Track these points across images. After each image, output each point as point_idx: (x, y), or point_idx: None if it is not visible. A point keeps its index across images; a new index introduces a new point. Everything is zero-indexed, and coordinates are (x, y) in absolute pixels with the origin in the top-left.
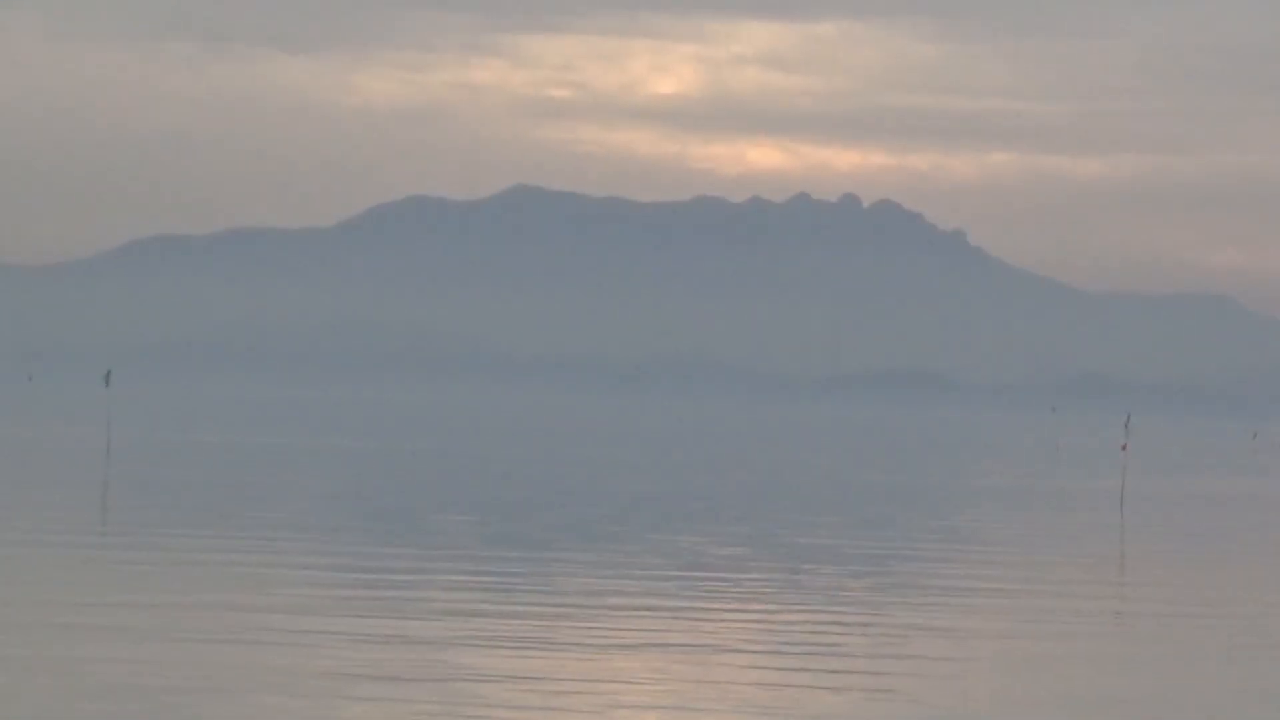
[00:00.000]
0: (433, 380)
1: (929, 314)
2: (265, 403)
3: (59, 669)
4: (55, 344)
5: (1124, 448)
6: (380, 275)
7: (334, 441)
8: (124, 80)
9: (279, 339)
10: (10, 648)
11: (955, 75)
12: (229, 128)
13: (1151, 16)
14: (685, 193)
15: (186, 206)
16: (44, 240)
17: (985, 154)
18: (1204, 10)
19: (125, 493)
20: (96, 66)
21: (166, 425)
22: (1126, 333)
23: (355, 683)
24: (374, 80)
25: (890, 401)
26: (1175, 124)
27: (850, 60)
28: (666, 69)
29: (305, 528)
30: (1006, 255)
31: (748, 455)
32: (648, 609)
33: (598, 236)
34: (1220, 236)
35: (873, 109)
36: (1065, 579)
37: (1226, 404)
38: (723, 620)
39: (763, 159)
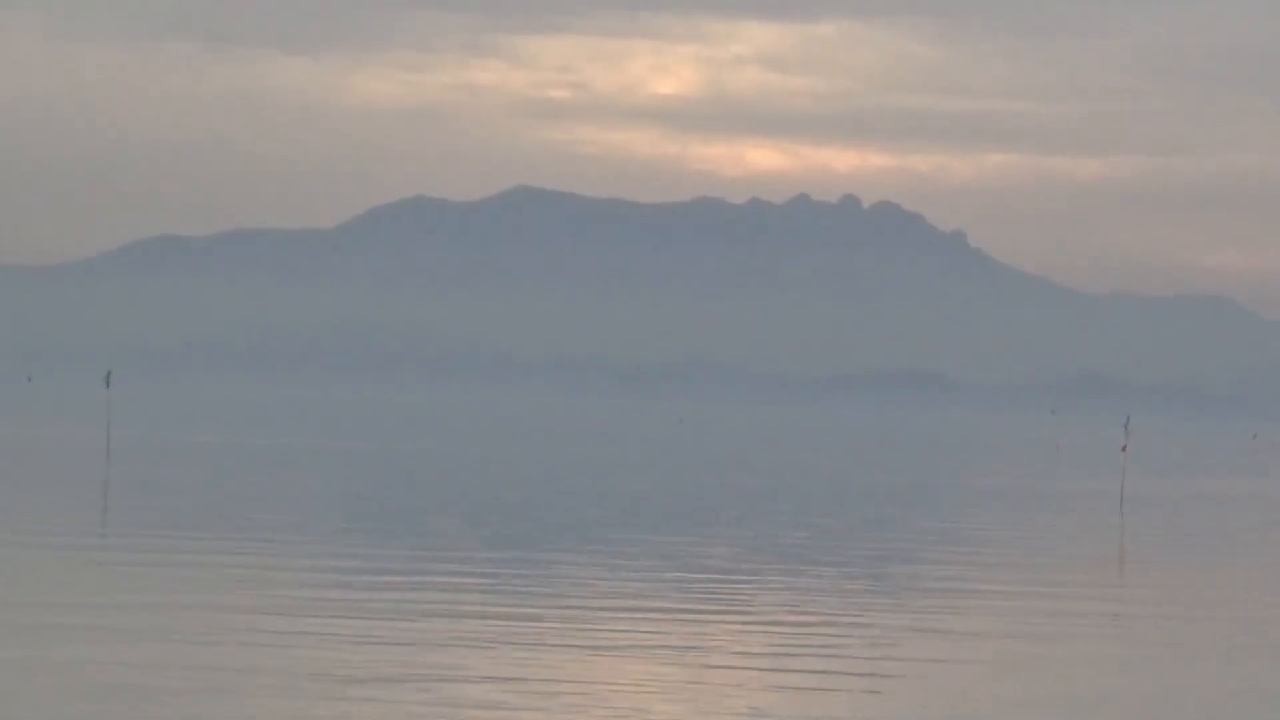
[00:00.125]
0: (433, 380)
1: (929, 314)
2: (265, 403)
3: (58, 670)
4: (55, 344)
5: (1124, 448)
6: (380, 276)
7: (333, 442)
8: (124, 81)
9: (279, 339)
10: (9, 648)
11: (955, 76)
12: (229, 128)
13: (1151, 16)
14: (685, 193)
15: (186, 207)
16: (44, 240)
17: (985, 154)
18: (1204, 10)
19: (125, 493)
20: (96, 67)
21: (166, 426)
22: (1126, 333)
23: (353, 684)
24: (374, 81)
25: (890, 402)
26: (1175, 124)
27: (850, 61)
28: (666, 69)
29: (304, 529)
30: (1006, 256)
31: (747, 456)
32: (647, 610)
33: (598, 237)
34: (1220, 237)
35: (873, 110)
36: (1065, 580)
37: (1226, 404)
38: (721, 621)
39: (763, 160)
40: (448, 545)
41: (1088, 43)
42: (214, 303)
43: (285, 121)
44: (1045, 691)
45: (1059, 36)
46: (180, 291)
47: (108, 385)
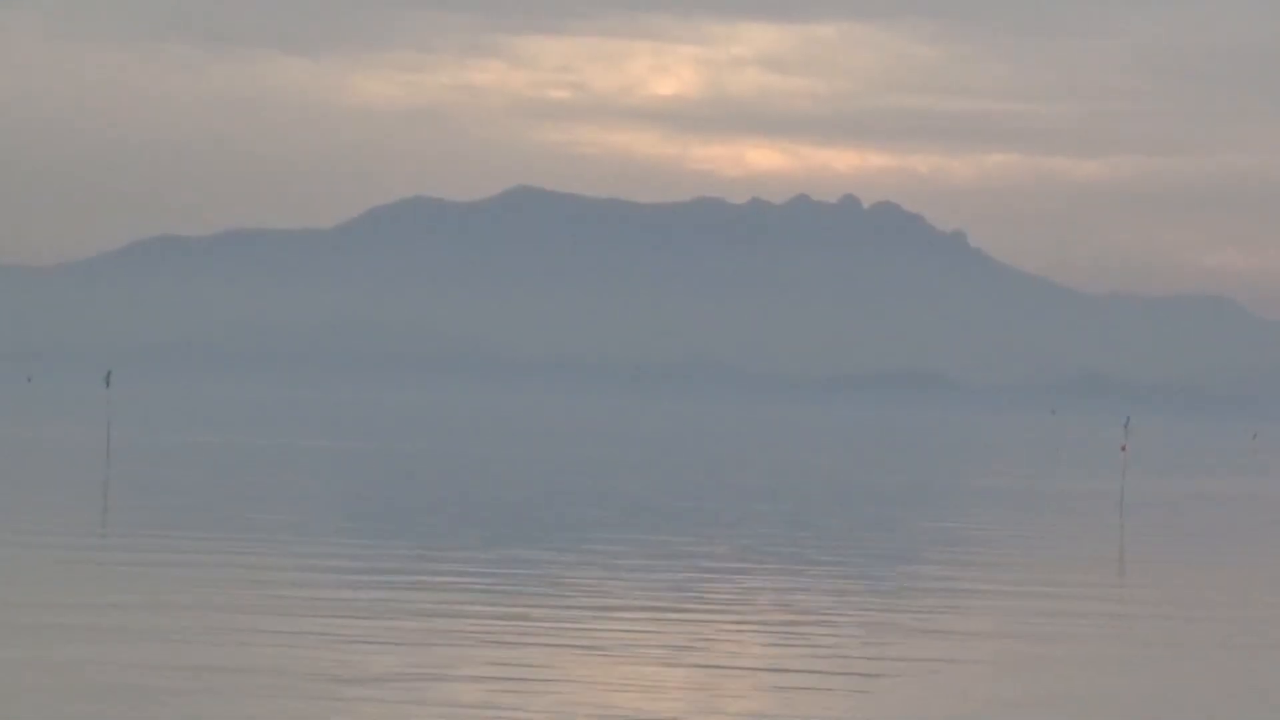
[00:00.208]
0: (432, 380)
1: (929, 314)
2: (265, 403)
3: (58, 670)
4: (55, 344)
5: (1123, 449)
6: (380, 276)
7: (333, 442)
8: (124, 81)
9: (279, 339)
10: (9, 648)
11: (955, 76)
12: (229, 129)
13: (1151, 16)
14: (685, 194)
15: (187, 207)
16: (44, 240)
17: (985, 155)
18: (1204, 10)
19: (125, 494)
20: (97, 68)
21: (166, 426)
22: (1126, 333)
23: (353, 684)
24: (374, 81)
25: (890, 402)
26: (1175, 124)
27: (850, 62)
28: (666, 70)
29: (303, 529)
30: (1006, 256)
31: (747, 456)
32: (646, 609)
33: (598, 237)
34: (1220, 237)
35: (872, 110)
36: (1065, 580)
37: (1226, 404)
38: (720, 621)
39: (762, 160)
40: (446, 545)
41: (1088, 43)
42: (214, 303)
43: (285, 121)
44: (1045, 691)
45: (1059, 36)
46: (180, 291)
47: (108, 385)
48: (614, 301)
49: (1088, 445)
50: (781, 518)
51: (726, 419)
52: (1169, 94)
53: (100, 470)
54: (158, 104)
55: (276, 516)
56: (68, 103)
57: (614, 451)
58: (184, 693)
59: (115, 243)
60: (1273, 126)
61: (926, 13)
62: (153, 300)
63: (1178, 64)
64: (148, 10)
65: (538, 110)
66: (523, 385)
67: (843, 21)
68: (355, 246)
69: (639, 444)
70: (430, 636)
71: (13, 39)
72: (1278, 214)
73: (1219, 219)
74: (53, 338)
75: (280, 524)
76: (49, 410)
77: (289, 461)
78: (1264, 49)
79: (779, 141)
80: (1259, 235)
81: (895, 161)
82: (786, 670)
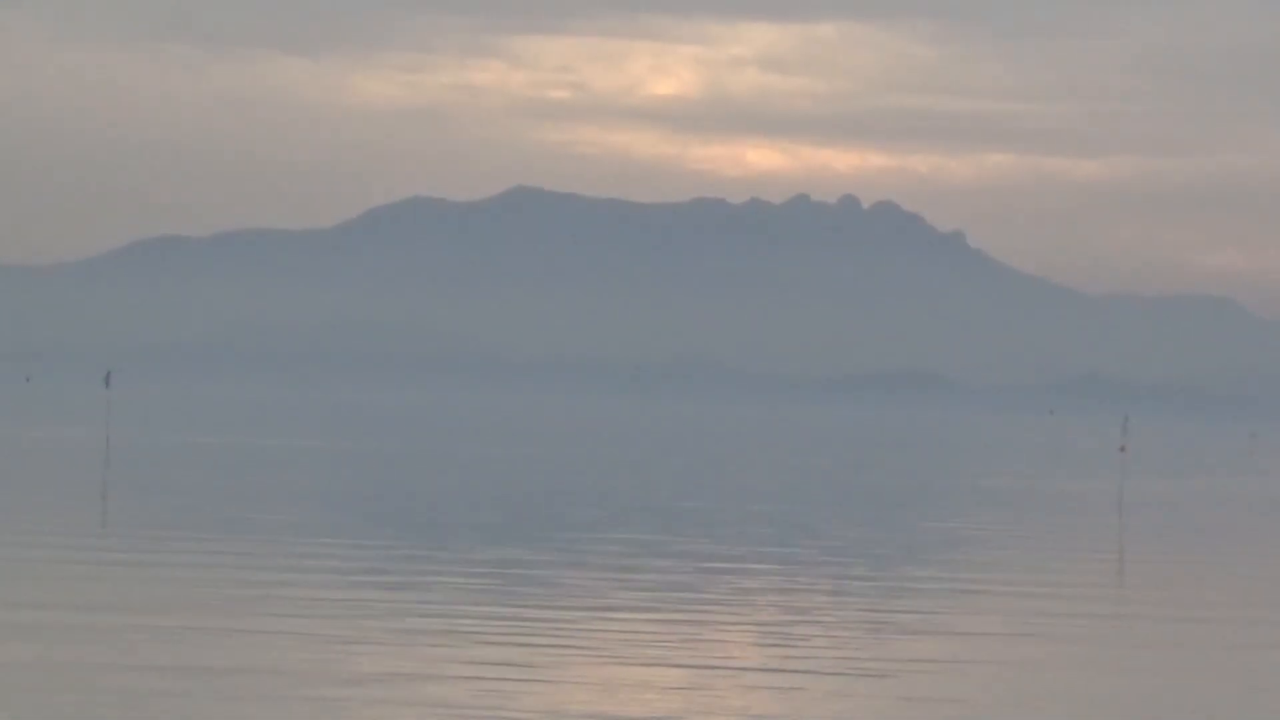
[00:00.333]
0: (432, 380)
1: (929, 315)
2: (265, 403)
3: (58, 670)
4: (55, 344)
5: (1123, 449)
6: (380, 276)
7: (333, 442)
8: (124, 82)
9: (279, 339)
10: (10, 648)
11: (955, 76)
12: (229, 129)
13: (1151, 16)
14: (685, 194)
15: (187, 208)
16: (44, 240)
17: (985, 155)
18: (1204, 10)
19: (124, 494)
20: (97, 68)
21: (166, 426)
22: (1126, 334)
23: (352, 684)
24: (374, 82)
25: (890, 402)
26: (1175, 124)
27: (849, 62)
28: (666, 70)
29: (303, 529)
30: (1006, 256)
31: (747, 456)
32: (645, 609)
33: (598, 237)
34: (1220, 237)
35: (872, 110)
36: (1064, 580)
37: (1226, 405)
38: (718, 621)
39: (762, 160)
40: (444, 545)
41: (1088, 43)
42: (214, 303)
43: (285, 121)
44: (1045, 691)
45: (1059, 36)
46: (180, 291)
47: (107, 385)
48: (614, 301)
49: (1088, 445)
50: (780, 518)
51: (726, 419)
52: (1169, 94)
53: (100, 470)
54: (158, 104)
55: (276, 517)
56: (68, 103)
57: (614, 451)
58: (184, 693)
59: (115, 243)
60: (1273, 126)
61: (926, 13)
62: (153, 300)
63: (1178, 64)
64: (148, 10)
65: (538, 110)
66: (522, 385)
67: (842, 21)
68: (355, 246)
69: (639, 444)
70: (429, 637)
71: (13, 39)
72: (1278, 214)
73: (1219, 219)
74: (52, 338)
75: (280, 524)
76: (48, 410)
77: (288, 462)
78: (1264, 49)
79: (778, 141)
80: (1259, 235)
81: (895, 161)
82: (784, 670)
